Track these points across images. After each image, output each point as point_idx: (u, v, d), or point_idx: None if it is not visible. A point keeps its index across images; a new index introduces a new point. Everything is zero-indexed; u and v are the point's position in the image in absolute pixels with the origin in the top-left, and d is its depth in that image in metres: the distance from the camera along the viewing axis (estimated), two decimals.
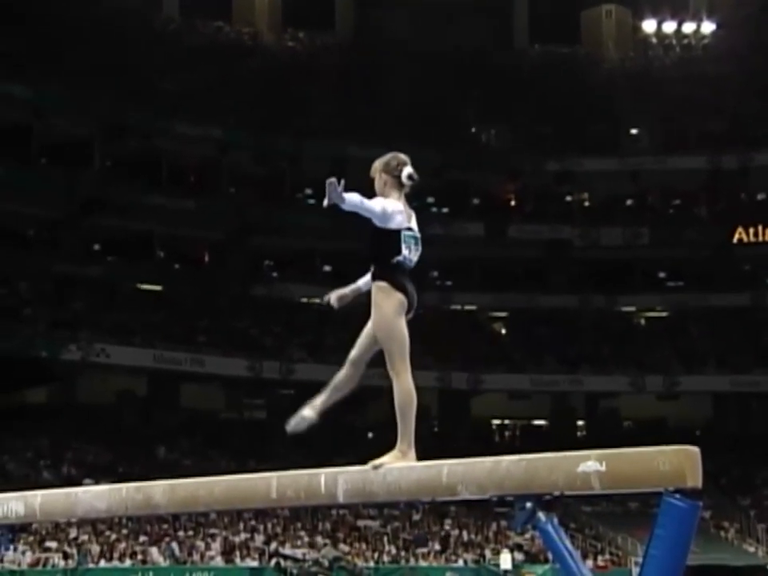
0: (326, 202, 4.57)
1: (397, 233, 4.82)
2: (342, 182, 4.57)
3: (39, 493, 5.78)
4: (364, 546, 26.44)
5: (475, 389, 35.14)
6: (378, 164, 4.97)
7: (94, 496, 5.55)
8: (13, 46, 30.94)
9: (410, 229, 4.89)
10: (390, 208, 4.82)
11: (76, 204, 32.11)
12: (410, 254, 4.86)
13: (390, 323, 4.80)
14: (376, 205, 4.79)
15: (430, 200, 37.32)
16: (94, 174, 33.44)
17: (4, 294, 30.83)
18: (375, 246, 4.87)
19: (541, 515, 4.24)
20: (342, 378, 4.99)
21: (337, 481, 4.74)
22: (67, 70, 31.27)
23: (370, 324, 4.92)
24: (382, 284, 4.82)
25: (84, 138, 33.26)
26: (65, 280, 31.51)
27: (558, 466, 4.18)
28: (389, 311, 4.79)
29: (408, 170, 4.90)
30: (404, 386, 4.78)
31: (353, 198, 4.65)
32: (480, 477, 4.39)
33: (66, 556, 22.93)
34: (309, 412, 4.97)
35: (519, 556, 26.45)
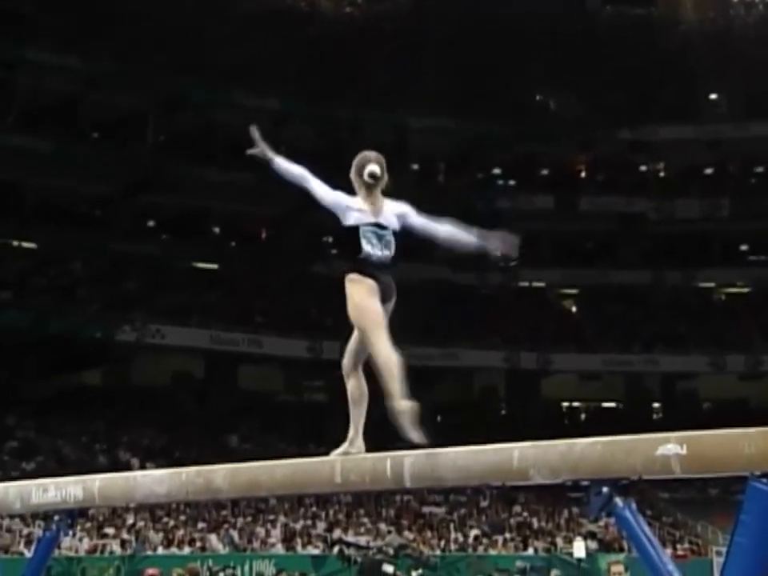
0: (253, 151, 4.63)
1: (355, 229, 4.82)
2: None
3: (98, 477, 5.81)
4: (429, 533, 25.50)
5: (544, 369, 34.25)
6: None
7: (154, 480, 5.53)
8: (65, 17, 30.27)
9: (376, 225, 4.83)
10: (346, 203, 4.83)
11: (130, 180, 31.48)
12: (372, 249, 4.81)
13: (361, 303, 4.77)
14: (328, 192, 4.84)
15: (497, 172, 36.59)
16: (147, 148, 32.87)
17: (57, 274, 30.44)
18: (343, 242, 4.91)
19: (618, 501, 4.11)
20: (353, 390, 4.95)
21: (403, 464, 4.63)
22: (120, 41, 30.56)
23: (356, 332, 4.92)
24: (352, 275, 4.82)
25: (137, 112, 32.67)
26: (119, 259, 30.96)
27: (635, 448, 4.07)
28: (360, 295, 4.78)
29: (369, 168, 4.85)
30: (380, 350, 4.69)
31: (284, 164, 4.82)
32: (553, 460, 4.26)
33: (123, 543, 22.31)
34: (352, 449, 4.94)
35: (593, 544, 25.33)
